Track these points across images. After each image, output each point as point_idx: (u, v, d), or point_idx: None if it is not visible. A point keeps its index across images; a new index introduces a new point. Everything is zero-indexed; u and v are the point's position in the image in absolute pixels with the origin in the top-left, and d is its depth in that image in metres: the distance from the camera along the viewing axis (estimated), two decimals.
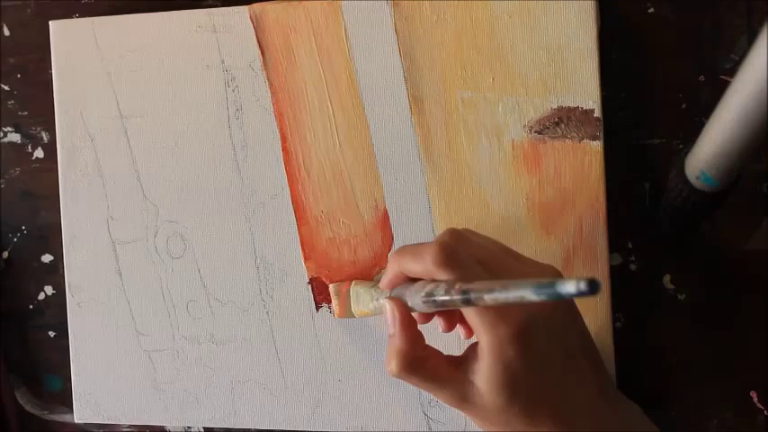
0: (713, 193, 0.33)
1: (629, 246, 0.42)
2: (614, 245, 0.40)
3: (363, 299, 0.38)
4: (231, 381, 0.43)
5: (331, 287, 0.41)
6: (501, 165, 0.40)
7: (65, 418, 0.48)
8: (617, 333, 0.40)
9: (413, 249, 0.30)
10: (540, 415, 0.29)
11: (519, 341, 0.27)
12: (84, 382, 0.45)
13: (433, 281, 0.29)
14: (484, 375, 0.28)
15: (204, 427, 0.46)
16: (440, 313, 0.33)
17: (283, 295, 0.42)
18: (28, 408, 0.48)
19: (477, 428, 0.41)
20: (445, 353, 0.32)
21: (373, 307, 0.37)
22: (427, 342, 0.32)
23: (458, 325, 0.34)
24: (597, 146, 0.39)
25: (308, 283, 0.42)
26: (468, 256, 0.29)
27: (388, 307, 0.32)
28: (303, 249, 0.42)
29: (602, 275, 0.39)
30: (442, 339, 0.36)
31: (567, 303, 0.30)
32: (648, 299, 0.41)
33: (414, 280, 0.31)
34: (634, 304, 0.42)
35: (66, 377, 0.45)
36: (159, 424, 0.45)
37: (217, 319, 0.43)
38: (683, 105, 0.41)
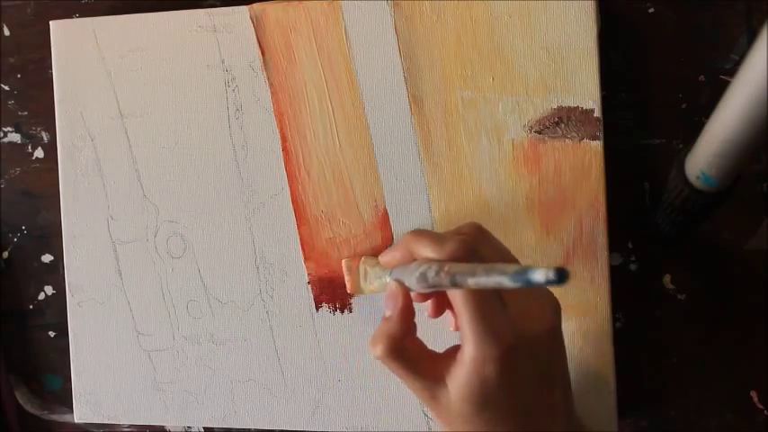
0: (713, 193, 0.33)
1: (629, 246, 0.42)
2: (614, 245, 0.40)
3: (370, 276, 0.39)
4: (231, 381, 0.43)
5: (343, 262, 0.41)
6: (501, 164, 0.40)
7: (65, 418, 0.48)
8: (617, 333, 0.40)
9: (432, 237, 0.30)
10: (500, 426, 0.29)
11: (502, 362, 0.28)
12: (84, 382, 0.45)
13: (429, 260, 0.29)
14: (459, 383, 0.29)
15: (204, 427, 0.46)
16: (431, 297, 0.33)
17: (283, 295, 0.42)
18: (28, 408, 0.48)
19: None
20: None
21: (378, 285, 0.37)
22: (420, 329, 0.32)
23: (449, 313, 0.34)
24: (597, 146, 0.39)
25: (308, 282, 0.42)
26: (484, 258, 0.29)
27: (393, 290, 0.32)
28: (303, 249, 0.42)
29: (602, 275, 0.39)
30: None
31: (554, 331, 0.30)
32: (648, 299, 0.41)
33: None
34: (634, 304, 0.42)
35: (67, 377, 0.45)
36: (159, 424, 0.45)
37: (217, 319, 0.43)
38: (683, 105, 0.41)
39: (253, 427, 0.43)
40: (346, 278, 0.40)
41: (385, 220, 0.41)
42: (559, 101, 0.39)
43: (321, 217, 0.41)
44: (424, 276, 0.29)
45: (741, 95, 0.27)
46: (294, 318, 0.42)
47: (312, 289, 0.42)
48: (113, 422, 0.45)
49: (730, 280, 0.41)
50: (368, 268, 0.39)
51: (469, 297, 0.28)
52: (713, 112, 0.30)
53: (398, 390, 0.41)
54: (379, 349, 0.30)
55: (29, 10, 0.47)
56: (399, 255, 0.32)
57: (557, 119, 0.39)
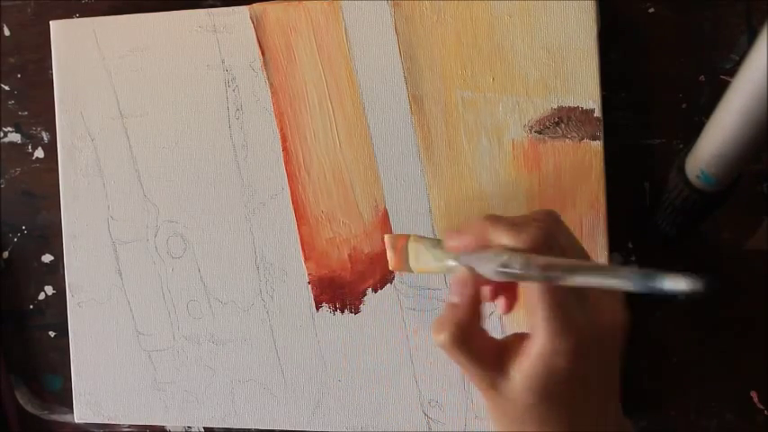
0: (713, 193, 0.33)
1: (629, 246, 0.41)
2: (614, 245, 0.40)
3: (424, 257, 0.37)
4: (231, 381, 0.43)
5: (386, 238, 0.39)
6: (501, 164, 0.40)
7: (65, 418, 0.48)
8: None
9: (509, 223, 0.29)
10: (557, 419, 0.29)
11: (573, 355, 0.27)
12: (84, 382, 0.45)
13: (510, 249, 0.28)
14: (526, 372, 0.28)
15: (204, 427, 0.46)
16: (504, 292, 0.33)
17: (283, 295, 0.42)
18: (28, 408, 0.48)
19: (477, 429, 0.41)
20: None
21: (436, 267, 0.36)
22: None
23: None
24: (597, 146, 0.39)
25: (309, 282, 0.42)
26: (563, 248, 0.29)
27: (464, 276, 0.30)
28: (303, 249, 0.42)
29: None
30: None
31: (622, 328, 0.30)
32: (648, 299, 0.41)
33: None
34: (634, 304, 0.41)
35: (67, 377, 0.45)
36: (159, 424, 0.45)
37: (217, 318, 0.43)
38: (683, 105, 0.41)
39: (253, 427, 0.43)
40: (389, 255, 0.39)
41: (385, 219, 0.41)
42: (559, 101, 0.39)
43: (321, 217, 0.41)
44: (506, 267, 0.27)
45: (741, 95, 0.27)
46: (294, 318, 0.42)
47: (312, 289, 0.42)
48: (113, 422, 0.45)
49: (730, 280, 0.41)
50: (423, 248, 0.37)
51: (548, 290, 0.27)
52: (713, 111, 0.30)
53: (398, 390, 0.41)
54: (443, 336, 0.29)
55: (29, 10, 0.47)
56: (470, 240, 0.31)
57: (557, 119, 0.39)
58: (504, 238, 0.29)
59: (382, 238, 0.40)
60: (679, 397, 0.41)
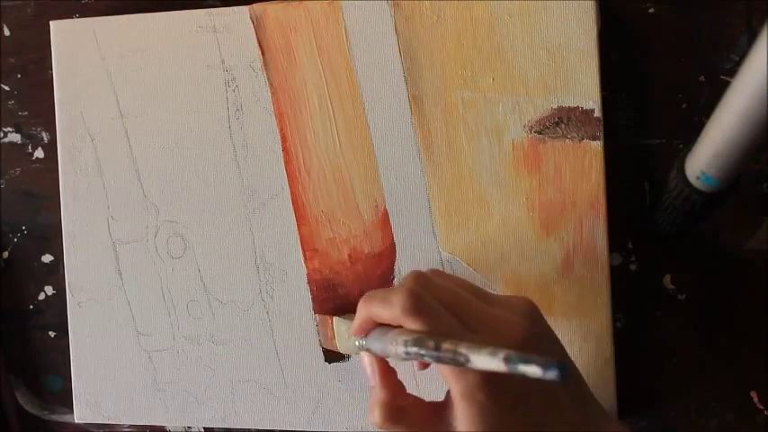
0: (713, 193, 0.33)
1: (629, 246, 0.42)
2: (614, 245, 0.40)
3: (344, 338, 0.39)
4: (231, 381, 0.43)
5: (317, 316, 0.41)
6: (501, 165, 0.40)
7: (65, 418, 0.48)
8: (617, 333, 0.40)
9: (381, 296, 0.31)
10: None
11: (487, 385, 0.28)
12: (84, 382, 0.45)
13: (411, 331, 0.29)
14: (463, 422, 0.28)
15: (204, 427, 0.46)
16: None
17: (283, 295, 0.42)
18: (28, 408, 0.48)
19: None
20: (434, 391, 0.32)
21: (356, 348, 0.36)
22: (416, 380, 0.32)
23: None
24: (597, 146, 0.39)
25: (308, 282, 0.42)
26: (436, 303, 0.29)
27: (365, 360, 0.32)
28: (303, 249, 0.42)
29: (603, 275, 0.39)
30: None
31: (530, 336, 0.30)
32: (648, 299, 0.41)
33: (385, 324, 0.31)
34: (634, 304, 0.42)
35: (67, 377, 0.45)
36: (159, 424, 0.45)
37: (217, 319, 0.43)
38: (683, 105, 0.41)
39: (253, 427, 0.43)
40: (321, 332, 0.41)
41: (385, 220, 0.41)
42: (559, 101, 0.39)
43: (321, 217, 0.41)
44: (416, 354, 0.28)
45: (741, 95, 0.27)
46: (294, 318, 0.42)
47: (312, 289, 0.42)
48: (113, 422, 0.45)
49: (730, 280, 0.41)
50: (343, 329, 0.39)
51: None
52: (713, 111, 0.30)
53: None
54: (376, 416, 0.30)
55: (29, 10, 0.47)
56: (357, 323, 0.32)
57: (557, 119, 0.39)
58: (380, 311, 0.30)
59: (382, 238, 0.41)
60: (679, 397, 0.41)
